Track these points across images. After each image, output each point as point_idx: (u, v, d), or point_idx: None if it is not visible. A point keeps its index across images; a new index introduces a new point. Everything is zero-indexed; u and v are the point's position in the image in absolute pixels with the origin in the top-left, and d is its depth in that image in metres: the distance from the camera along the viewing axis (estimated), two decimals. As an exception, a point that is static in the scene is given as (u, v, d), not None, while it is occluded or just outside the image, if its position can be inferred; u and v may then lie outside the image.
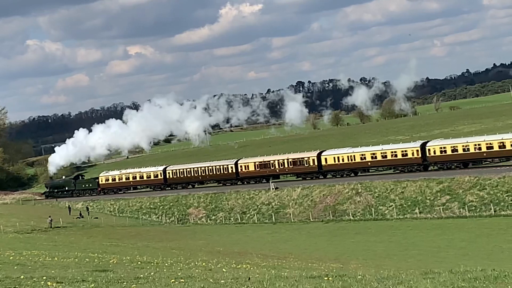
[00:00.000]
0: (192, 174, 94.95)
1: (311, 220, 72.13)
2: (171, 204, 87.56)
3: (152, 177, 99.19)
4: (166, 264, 25.69)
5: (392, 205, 69.18)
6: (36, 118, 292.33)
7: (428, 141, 79.10)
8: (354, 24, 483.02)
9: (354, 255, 46.46)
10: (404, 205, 68.50)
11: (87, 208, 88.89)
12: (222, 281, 14.64)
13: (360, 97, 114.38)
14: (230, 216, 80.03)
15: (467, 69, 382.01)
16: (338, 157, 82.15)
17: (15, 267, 21.65)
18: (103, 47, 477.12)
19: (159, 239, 62.87)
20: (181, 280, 15.30)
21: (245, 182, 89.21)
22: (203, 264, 27.04)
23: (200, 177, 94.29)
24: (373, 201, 71.08)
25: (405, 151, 77.40)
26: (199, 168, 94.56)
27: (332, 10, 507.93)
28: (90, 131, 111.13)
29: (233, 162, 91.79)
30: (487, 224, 58.03)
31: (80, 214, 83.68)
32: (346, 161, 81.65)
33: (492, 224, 57.54)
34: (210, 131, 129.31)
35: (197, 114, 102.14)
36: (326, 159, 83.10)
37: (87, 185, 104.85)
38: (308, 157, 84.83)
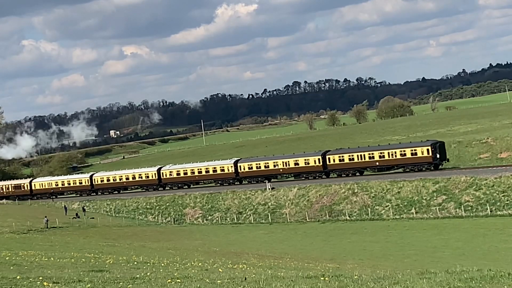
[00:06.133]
0: None
1: (308, 220, 72.10)
2: (167, 204, 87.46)
3: None
4: (163, 264, 25.63)
5: (388, 205, 69.21)
6: (32, 118, 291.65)
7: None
8: (350, 24, 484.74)
9: (350, 255, 46.48)
10: (401, 205, 68.52)
11: (84, 209, 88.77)
12: (218, 281, 14.62)
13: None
14: (226, 216, 79.94)
15: (463, 69, 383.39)
16: (107, 178, 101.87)
17: (11, 268, 21.60)
18: (98, 47, 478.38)
19: (155, 239, 62.79)
20: (178, 280, 15.27)
21: (36, 198, 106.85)
22: (200, 264, 27.00)
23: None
24: (369, 201, 71.10)
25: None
26: None
27: (328, 10, 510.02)
28: None
29: (28, 181, 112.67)
30: (483, 224, 58.08)
31: (77, 215, 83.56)
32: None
33: (488, 224, 57.60)
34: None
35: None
36: (95, 179, 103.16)
37: None
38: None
